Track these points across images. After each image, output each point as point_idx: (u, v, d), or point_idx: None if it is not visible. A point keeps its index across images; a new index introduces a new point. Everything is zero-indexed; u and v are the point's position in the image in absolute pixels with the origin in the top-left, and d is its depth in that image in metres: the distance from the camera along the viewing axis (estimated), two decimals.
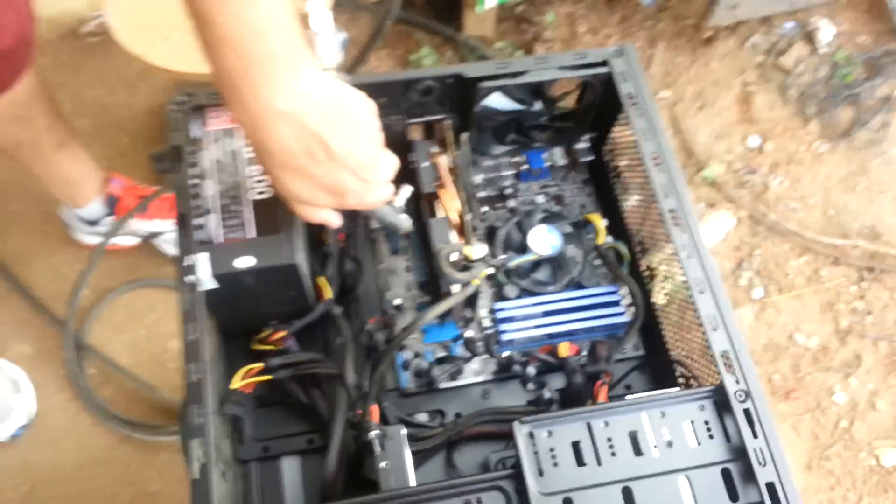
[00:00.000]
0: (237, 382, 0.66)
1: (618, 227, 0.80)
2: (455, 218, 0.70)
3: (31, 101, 1.04)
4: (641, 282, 0.77)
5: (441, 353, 0.72)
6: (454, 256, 0.65)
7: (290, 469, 0.68)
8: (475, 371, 0.72)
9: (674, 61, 1.52)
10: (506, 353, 0.70)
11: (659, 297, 1.33)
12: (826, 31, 1.49)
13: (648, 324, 0.74)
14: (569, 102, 0.79)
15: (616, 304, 0.74)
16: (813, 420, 1.24)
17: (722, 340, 0.58)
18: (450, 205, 0.70)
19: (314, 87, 0.50)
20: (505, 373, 0.71)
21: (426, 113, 0.73)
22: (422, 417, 0.71)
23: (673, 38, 1.53)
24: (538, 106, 0.75)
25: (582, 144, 0.82)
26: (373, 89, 0.59)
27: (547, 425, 0.56)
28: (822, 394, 1.26)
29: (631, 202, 0.82)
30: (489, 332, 0.72)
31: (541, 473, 0.54)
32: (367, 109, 0.55)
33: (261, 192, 0.62)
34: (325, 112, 0.51)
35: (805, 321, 1.31)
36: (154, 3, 0.99)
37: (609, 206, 0.82)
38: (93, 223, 1.36)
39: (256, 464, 0.68)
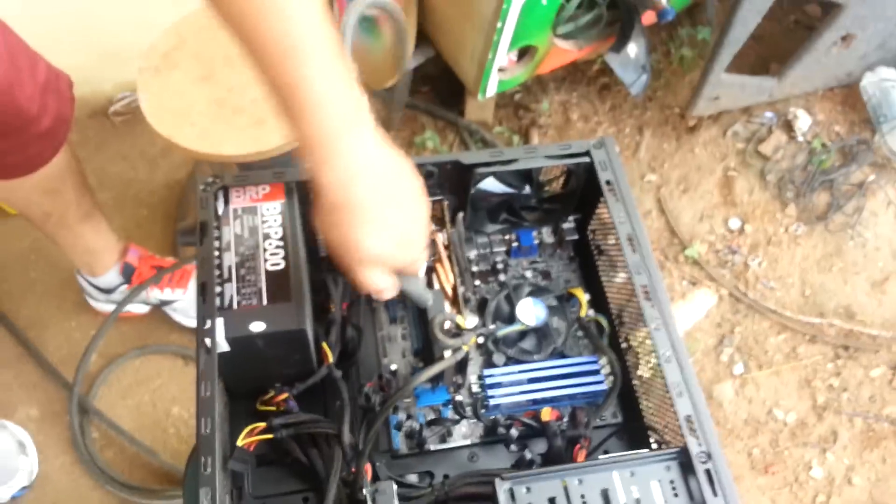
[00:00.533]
0: (242, 440, 0.72)
1: (599, 301, 0.86)
2: (449, 290, 0.76)
3: (64, 175, 1.12)
4: (620, 353, 0.83)
5: (432, 416, 0.77)
6: (447, 325, 0.72)
7: None
8: (463, 434, 0.77)
9: (660, 147, 1.62)
10: (492, 417, 0.76)
11: (644, 371, 1.38)
12: (803, 120, 1.60)
13: (626, 393, 0.79)
14: (556, 187, 0.87)
15: (596, 372, 0.79)
16: (791, 494, 1.27)
17: (686, 406, 0.64)
18: (445, 278, 0.77)
19: (383, 146, 0.59)
20: (491, 436, 0.76)
21: (427, 194, 0.81)
22: (412, 478, 0.75)
23: (659, 126, 1.64)
24: (527, 189, 0.83)
25: (568, 224, 0.89)
26: None
27: (526, 482, 0.61)
28: (800, 468, 1.29)
29: (615, 279, 0.88)
30: (478, 396, 0.77)
31: None
32: (414, 171, 0.63)
33: (274, 264, 0.69)
34: (394, 167, 0.60)
35: (783, 397, 1.36)
36: (183, 92, 1.09)
37: (592, 281, 0.88)
38: (108, 291, 1.42)
39: None
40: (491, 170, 0.78)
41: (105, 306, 1.45)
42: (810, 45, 1.43)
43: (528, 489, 0.61)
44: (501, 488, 0.60)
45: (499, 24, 1.26)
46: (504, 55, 1.37)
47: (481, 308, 0.83)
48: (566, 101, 1.69)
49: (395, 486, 0.64)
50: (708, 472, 0.61)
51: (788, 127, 1.60)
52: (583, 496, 0.61)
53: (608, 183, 0.77)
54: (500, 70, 1.45)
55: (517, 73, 1.48)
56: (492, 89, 1.47)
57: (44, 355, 1.42)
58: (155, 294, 1.40)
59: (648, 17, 1.49)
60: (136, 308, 1.44)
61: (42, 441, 1.34)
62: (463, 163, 0.77)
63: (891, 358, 1.40)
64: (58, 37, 1.21)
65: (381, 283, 0.64)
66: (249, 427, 0.72)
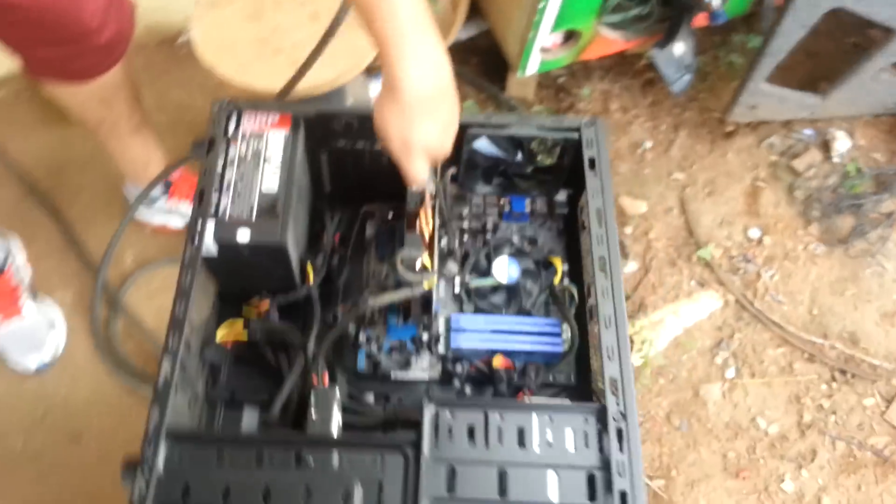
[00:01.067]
0: (219, 334, 0.80)
1: (576, 274, 0.90)
2: (427, 235, 0.83)
3: (119, 88, 1.23)
4: (583, 322, 0.87)
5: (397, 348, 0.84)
6: (418, 264, 0.78)
7: (249, 416, 0.80)
8: (422, 368, 0.83)
9: (693, 148, 1.63)
10: (451, 358, 0.82)
11: (636, 359, 1.42)
12: (843, 142, 1.58)
13: (583, 360, 0.84)
14: (549, 159, 0.92)
15: (556, 335, 0.84)
16: (758, 502, 1.30)
17: (614, 369, 0.69)
18: (425, 223, 0.83)
19: (442, 50, 0.69)
20: (446, 374, 0.83)
21: None
22: (369, 398, 0.83)
23: (696, 127, 1.65)
24: (519, 157, 0.88)
25: (561, 198, 0.94)
26: None
27: (452, 408, 0.67)
28: (772, 479, 1.31)
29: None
30: (441, 336, 0.84)
31: (436, 445, 0.65)
32: None
33: (269, 186, 0.77)
34: (448, 69, 0.69)
35: (770, 408, 1.38)
36: (231, 27, 1.18)
37: (574, 254, 0.92)
38: (150, 202, 1.54)
39: (221, 406, 0.81)
40: (483, 131, 0.83)
41: (146, 217, 1.57)
42: (859, 67, 1.41)
43: (452, 414, 0.67)
44: (428, 408, 0.67)
45: (541, 4, 1.30)
46: (546, 35, 1.41)
47: (464, 260, 0.89)
48: (608, 91, 1.71)
49: (337, 392, 0.71)
50: (619, 430, 0.66)
51: (826, 147, 1.59)
52: (500, 429, 0.66)
53: (591, 160, 0.81)
54: (543, 50, 1.49)
55: (560, 56, 1.51)
56: (532, 67, 1.51)
57: (85, 250, 1.55)
58: (185, 207, 1.52)
59: (700, 19, 1.49)
60: (174, 222, 1.56)
61: (71, 325, 1.47)
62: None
63: (888, 390, 1.40)
64: None
65: (426, 172, 0.74)
66: (228, 322, 0.81)
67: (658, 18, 1.52)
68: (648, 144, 1.65)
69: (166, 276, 1.54)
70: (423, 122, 0.70)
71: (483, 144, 0.87)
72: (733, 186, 1.58)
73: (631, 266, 1.51)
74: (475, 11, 1.62)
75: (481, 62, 1.75)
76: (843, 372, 1.40)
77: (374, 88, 1.54)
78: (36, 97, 1.67)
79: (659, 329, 1.45)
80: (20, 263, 1.47)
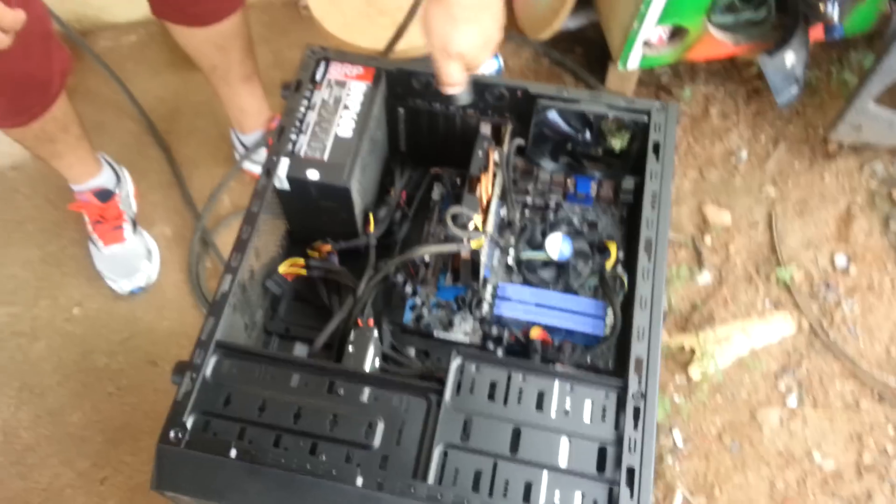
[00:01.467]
0: (283, 267, 0.86)
1: (631, 263, 0.91)
2: (485, 200, 0.85)
3: (234, 37, 1.32)
4: (629, 311, 0.87)
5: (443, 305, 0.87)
6: (471, 225, 0.81)
7: (299, 351, 0.85)
8: (465, 332, 0.86)
9: (790, 163, 1.57)
10: (492, 322, 0.84)
11: (694, 373, 1.39)
12: None
13: (624, 349, 0.83)
14: (621, 143, 0.92)
15: (599, 318, 0.84)
16: None
17: (641, 349, 0.70)
18: (485, 189, 0.86)
19: None
20: (486, 341, 0.85)
21: (496, 114, 0.89)
22: (411, 352, 0.87)
23: (797, 143, 1.59)
24: (587, 135, 0.89)
25: (627, 185, 0.94)
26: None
27: (478, 362, 0.70)
28: None
29: None
30: (486, 302, 0.86)
31: (458, 395, 0.68)
32: None
33: (344, 132, 0.82)
34: None
35: (829, 442, 1.32)
36: None
37: (633, 245, 0.93)
38: (251, 152, 1.64)
39: (276, 338, 0.87)
40: (553, 104, 0.85)
41: (247, 164, 1.67)
42: None
43: (478, 368, 0.70)
44: (455, 360, 0.70)
45: None
46: (651, 28, 1.39)
47: (522, 232, 0.91)
48: (710, 95, 1.67)
49: (375, 333, 0.75)
50: (637, 409, 0.67)
51: None
52: (521, 390, 0.69)
53: (656, 144, 0.81)
54: (647, 45, 1.47)
55: (663, 52, 1.49)
56: (634, 62, 1.49)
57: (188, 189, 1.67)
58: None
59: (817, 32, 1.44)
60: None
61: (166, 256, 1.59)
62: (530, 91, 0.84)
63: None
64: None
65: (459, 77, 0.77)
66: (291, 259, 0.86)
67: (773, 26, 1.47)
68: (744, 154, 1.60)
69: None
70: (465, 28, 0.72)
71: (553, 117, 0.88)
72: (826, 209, 1.51)
73: (705, 277, 1.48)
74: (587, 1, 1.62)
75: (585, 53, 1.74)
76: None
77: None
78: (167, 42, 1.80)
79: (724, 345, 1.41)
80: (129, 193, 1.60)
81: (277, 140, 0.80)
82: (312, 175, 0.79)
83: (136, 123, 1.75)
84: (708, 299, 1.46)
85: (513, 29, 1.76)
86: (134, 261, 1.54)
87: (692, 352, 1.39)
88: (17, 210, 1.63)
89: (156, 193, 1.67)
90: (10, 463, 1.37)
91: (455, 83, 0.78)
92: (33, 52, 1.09)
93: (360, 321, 0.80)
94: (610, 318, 0.84)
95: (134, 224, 1.57)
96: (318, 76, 0.85)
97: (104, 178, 1.52)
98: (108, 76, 1.78)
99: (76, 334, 1.50)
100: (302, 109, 0.82)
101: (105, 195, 1.51)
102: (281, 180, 0.79)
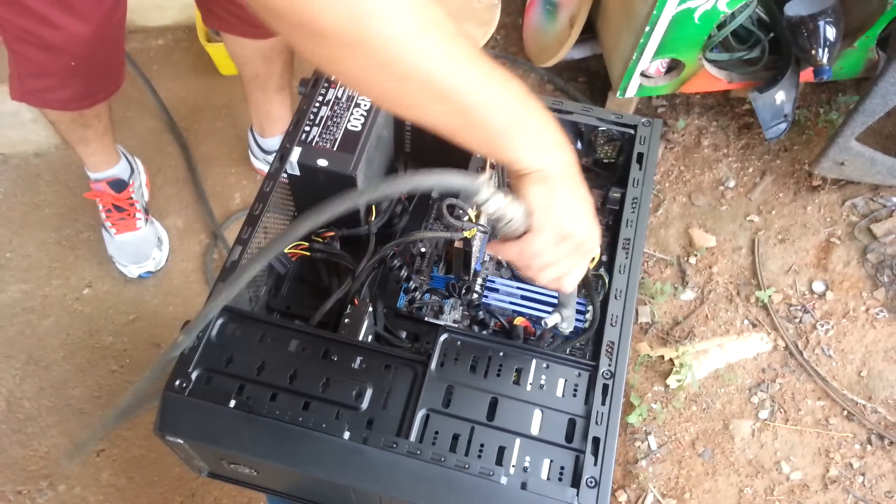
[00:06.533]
0: (287, 248, 0.93)
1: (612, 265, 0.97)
2: None
3: (280, 51, 1.41)
4: (605, 307, 0.93)
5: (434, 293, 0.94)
6: (465, 217, 0.87)
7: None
8: (454, 319, 0.93)
9: (775, 195, 1.65)
10: (479, 309, 0.91)
11: (672, 382, 1.45)
12: None
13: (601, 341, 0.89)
14: (609, 155, 0.99)
15: (580, 313, 0.92)
16: None
17: (613, 334, 0.76)
18: None
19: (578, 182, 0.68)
20: (473, 325, 0.92)
21: None
22: (402, 335, 0.93)
23: (782, 176, 1.67)
24: (578, 145, 0.97)
25: (615, 194, 1.01)
26: None
27: (463, 338, 0.77)
28: None
29: None
30: (476, 292, 0.93)
31: (442, 365, 0.75)
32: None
33: (353, 126, 0.89)
34: (580, 195, 0.68)
35: (797, 455, 1.38)
36: None
37: (615, 249, 1.00)
38: (267, 153, 1.72)
39: (277, 315, 0.93)
40: None
41: (261, 165, 1.74)
42: None
43: (462, 344, 0.76)
44: (442, 335, 0.76)
45: (647, 28, 1.38)
46: (649, 60, 1.48)
47: None
48: (703, 127, 1.75)
49: (370, 308, 0.81)
50: (605, 386, 0.73)
51: None
52: (500, 365, 0.75)
53: (640, 154, 0.89)
54: (645, 75, 1.55)
55: (660, 84, 1.58)
56: (631, 90, 1.58)
57: (202, 185, 1.74)
58: None
59: (807, 73, 1.52)
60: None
61: (175, 246, 1.66)
62: None
63: None
64: None
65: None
66: (297, 241, 0.93)
67: (765, 65, 1.55)
68: (731, 184, 1.68)
69: None
70: (548, 266, 0.69)
71: None
72: (807, 238, 1.58)
73: (688, 294, 1.55)
74: (591, 32, 1.71)
75: (588, 81, 1.83)
76: (882, 437, 1.38)
77: None
78: (192, 47, 1.90)
79: (702, 358, 1.48)
80: (141, 182, 1.68)
81: (292, 129, 0.87)
82: (322, 163, 0.86)
83: (157, 121, 1.84)
84: (689, 315, 1.53)
85: (520, 55, 1.86)
86: (144, 248, 1.61)
87: (671, 363, 1.46)
88: (37, 194, 1.71)
89: (171, 187, 1.75)
90: (12, 431, 1.43)
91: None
92: (118, 39, 1.15)
93: (356, 301, 0.87)
94: (590, 314, 0.91)
95: (146, 212, 1.65)
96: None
97: (120, 169, 1.59)
98: (135, 75, 1.87)
99: (84, 313, 1.57)
100: (316, 104, 0.90)
101: (119, 185, 1.59)
102: (293, 165, 0.86)
